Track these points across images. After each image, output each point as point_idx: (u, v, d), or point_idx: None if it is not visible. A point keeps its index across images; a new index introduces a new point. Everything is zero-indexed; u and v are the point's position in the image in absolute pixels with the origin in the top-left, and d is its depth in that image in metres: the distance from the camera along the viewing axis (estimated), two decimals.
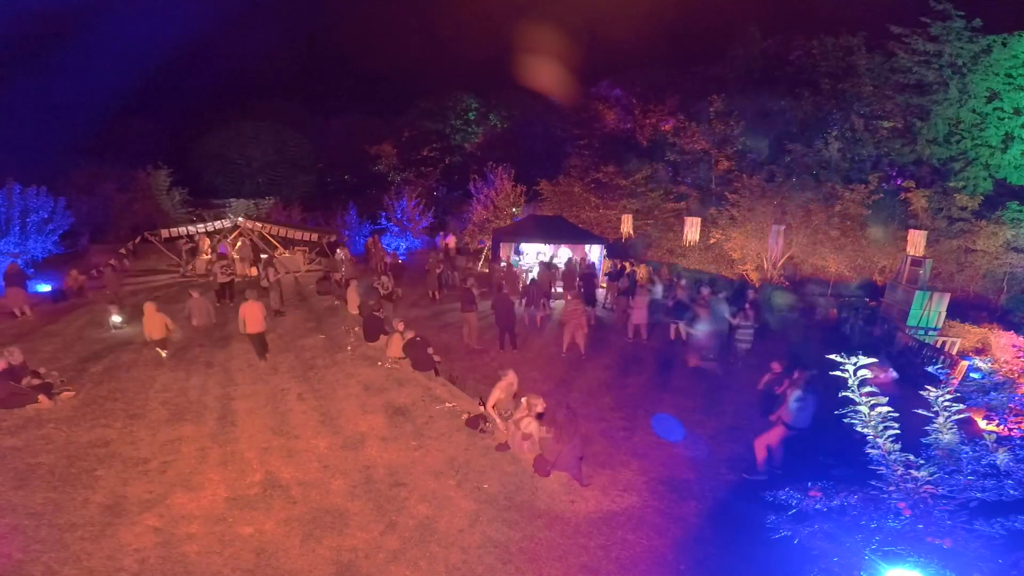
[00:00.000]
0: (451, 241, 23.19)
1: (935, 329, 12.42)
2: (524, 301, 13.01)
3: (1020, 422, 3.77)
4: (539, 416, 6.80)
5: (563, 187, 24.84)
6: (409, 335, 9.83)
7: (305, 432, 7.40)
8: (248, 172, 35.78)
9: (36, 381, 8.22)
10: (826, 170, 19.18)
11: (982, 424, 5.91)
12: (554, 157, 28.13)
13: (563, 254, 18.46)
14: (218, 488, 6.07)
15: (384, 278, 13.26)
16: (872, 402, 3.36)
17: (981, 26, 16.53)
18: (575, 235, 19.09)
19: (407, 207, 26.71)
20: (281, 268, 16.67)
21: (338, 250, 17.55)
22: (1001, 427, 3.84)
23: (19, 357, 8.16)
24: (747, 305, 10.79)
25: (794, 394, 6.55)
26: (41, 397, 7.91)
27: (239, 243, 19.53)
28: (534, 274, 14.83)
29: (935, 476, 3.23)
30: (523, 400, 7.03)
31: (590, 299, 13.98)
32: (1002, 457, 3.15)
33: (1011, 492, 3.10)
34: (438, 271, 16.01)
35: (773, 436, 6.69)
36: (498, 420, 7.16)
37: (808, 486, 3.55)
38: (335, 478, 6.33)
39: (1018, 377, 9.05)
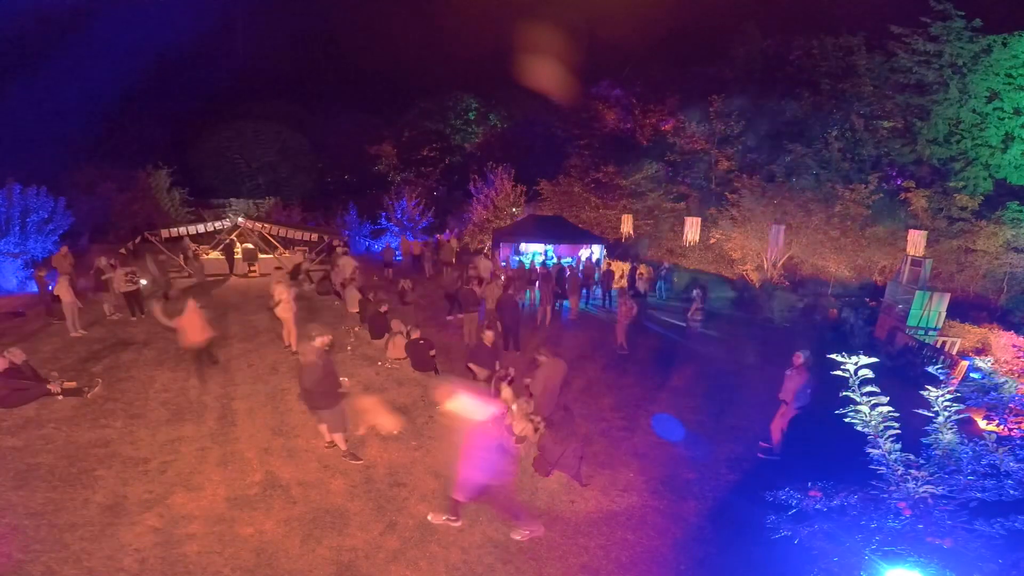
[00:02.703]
0: (453, 241, 22.52)
1: (935, 329, 12.42)
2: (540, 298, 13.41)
3: (1020, 422, 3.76)
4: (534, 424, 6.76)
5: (563, 187, 24.86)
6: (415, 334, 9.83)
7: (305, 432, 7.39)
8: (248, 172, 35.71)
9: (60, 385, 8.27)
10: (826, 170, 19.17)
11: (982, 424, 5.92)
12: (554, 157, 28.14)
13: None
14: (218, 488, 6.07)
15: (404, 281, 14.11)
16: (872, 402, 3.36)
17: (981, 26, 16.54)
18: (575, 235, 19.11)
19: (407, 207, 26.73)
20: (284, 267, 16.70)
21: (339, 249, 17.54)
22: (1001, 427, 3.84)
23: (20, 357, 8.16)
24: (697, 289, 13.65)
25: (794, 376, 6.98)
26: (52, 387, 8.04)
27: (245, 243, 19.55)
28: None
29: (935, 476, 3.23)
30: (513, 406, 7.01)
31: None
32: (1002, 457, 3.15)
33: (1011, 492, 3.10)
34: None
35: (783, 417, 7.09)
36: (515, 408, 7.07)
37: (808, 486, 3.55)
38: (335, 478, 6.33)
39: (1018, 377, 9.06)
